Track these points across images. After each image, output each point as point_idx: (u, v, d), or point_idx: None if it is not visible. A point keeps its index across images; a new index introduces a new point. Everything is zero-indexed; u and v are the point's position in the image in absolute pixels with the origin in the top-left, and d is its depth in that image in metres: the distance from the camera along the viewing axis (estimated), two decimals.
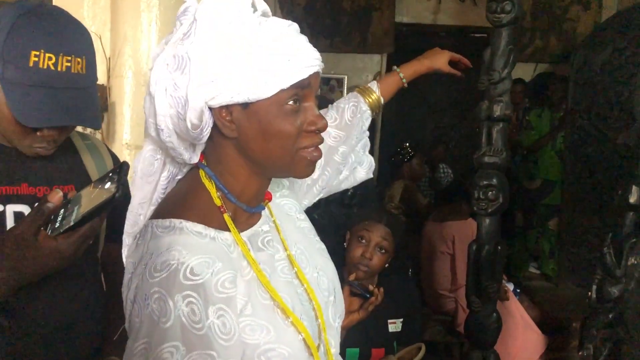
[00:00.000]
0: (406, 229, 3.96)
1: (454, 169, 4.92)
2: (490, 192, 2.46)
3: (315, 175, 1.30)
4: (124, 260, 0.97)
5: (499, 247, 2.54)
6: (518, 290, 3.72)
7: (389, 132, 5.89)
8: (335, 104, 1.42)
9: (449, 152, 4.98)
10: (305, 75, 0.88)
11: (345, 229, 2.20)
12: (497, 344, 2.68)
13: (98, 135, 2.20)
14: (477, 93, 2.61)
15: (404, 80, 1.50)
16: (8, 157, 1.19)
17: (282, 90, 0.87)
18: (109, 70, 2.18)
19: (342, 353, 2.05)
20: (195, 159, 0.96)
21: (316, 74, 0.91)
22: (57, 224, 0.95)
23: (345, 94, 5.76)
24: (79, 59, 1.11)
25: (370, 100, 1.43)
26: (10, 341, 1.17)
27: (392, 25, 5.64)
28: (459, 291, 3.34)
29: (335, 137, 1.35)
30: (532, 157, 4.91)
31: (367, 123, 1.43)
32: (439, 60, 1.56)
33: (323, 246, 1.17)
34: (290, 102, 0.89)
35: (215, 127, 0.91)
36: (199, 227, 0.90)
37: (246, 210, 0.97)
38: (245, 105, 0.87)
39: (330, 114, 1.37)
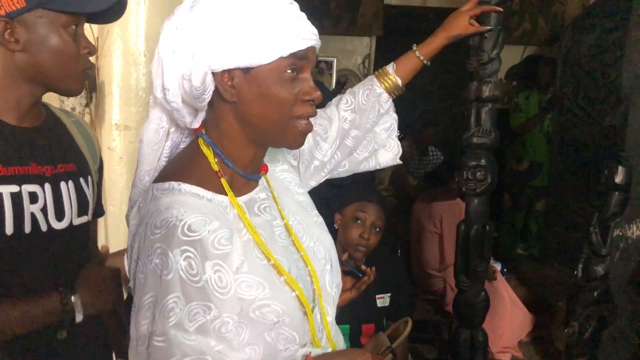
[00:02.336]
0: (396, 210, 4.00)
1: (443, 152, 4.94)
2: (478, 173, 2.47)
3: (325, 157, 1.32)
4: (129, 223, 1.02)
5: (487, 227, 2.57)
6: (505, 270, 3.76)
7: None
8: (351, 88, 1.42)
9: (439, 134, 4.98)
10: (303, 46, 0.94)
11: (335, 208, 2.21)
12: (485, 323, 2.72)
13: (87, 116, 2.19)
14: (466, 75, 2.62)
15: (422, 58, 1.48)
16: (16, 136, 1.16)
17: (282, 58, 0.93)
18: (97, 50, 2.16)
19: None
20: (196, 125, 1.02)
21: (313, 48, 0.98)
22: None
23: (334, 77, 5.76)
24: None
25: (386, 83, 1.42)
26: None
27: (381, 8, 5.62)
28: (447, 271, 3.38)
29: (349, 121, 1.36)
30: (520, 139, 4.93)
31: (386, 106, 1.44)
32: (456, 25, 1.55)
33: (321, 220, 1.21)
34: (289, 71, 0.94)
35: (216, 93, 0.96)
36: (197, 189, 0.96)
37: (242, 175, 1.02)
38: (246, 70, 0.93)
39: (346, 98, 1.39)
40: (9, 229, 1.11)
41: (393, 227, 2.19)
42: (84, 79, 1.21)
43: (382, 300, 2.17)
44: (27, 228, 1.14)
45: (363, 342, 2.08)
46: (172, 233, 0.89)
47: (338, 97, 1.39)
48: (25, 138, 1.18)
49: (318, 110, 1.22)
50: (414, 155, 4.62)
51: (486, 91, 2.44)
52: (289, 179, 1.21)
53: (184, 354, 0.88)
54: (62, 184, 1.22)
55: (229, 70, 0.94)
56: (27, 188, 1.14)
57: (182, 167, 1.01)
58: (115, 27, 2.16)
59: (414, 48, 1.50)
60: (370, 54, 5.81)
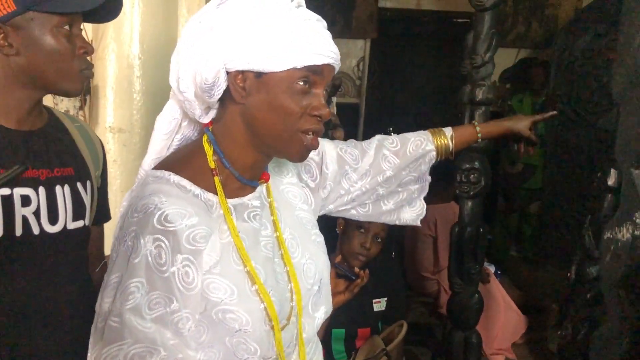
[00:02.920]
0: None
1: None
2: (472, 175, 2.49)
3: (352, 187, 1.29)
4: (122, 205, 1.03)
5: (481, 230, 2.58)
6: (499, 272, 3.78)
7: (372, 117, 5.91)
8: (403, 134, 1.41)
9: None
10: (318, 62, 0.94)
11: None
12: (479, 325, 2.73)
13: (80, 119, 2.19)
14: (460, 78, 2.63)
15: (479, 135, 1.46)
16: (10, 139, 1.16)
17: (295, 69, 0.93)
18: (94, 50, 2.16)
19: (329, 334, 2.09)
20: (206, 120, 1.03)
21: (330, 67, 0.98)
22: None
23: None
24: None
25: (439, 142, 1.40)
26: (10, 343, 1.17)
27: (376, 11, 5.63)
28: (441, 273, 3.39)
29: (389, 161, 1.34)
30: None
31: (429, 164, 1.42)
32: (520, 124, 1.50)
33: (321, 239, 1.19)
34: (301, 83, 0.95)
35: (227, 92, 0.97)
36: (186, 182, 0.97)
37: (237, 178, 1.02)
38: (258, 75, 0.94)
39: (393, 139, 1.38)
40: None
41: (388, 230, 2.19)
42: (82, 79, 1.20)
43: (379, 305, 2.18)
44: (18, 231, 1.14)
45: (358, 345, 2.09)
46: (148, 219, 0.91)
47: (384, 136, 1.39)
48: (22, 141, 1.18)
49: (354, 141, 1.29)
50: None
51: (479, 94, 2.45)
52: (295, 193, 1.19)
53: (136, 339, 0.89)
54: (58, 188, 1.21)
55: (242, 72, 0.95)
56: (20, 191, 1.14)
57: (180, 159, 1.02)
58: (109, 29, 2.16)
59: (476, 122, 1.52)
60: (365, 57, 5.81)
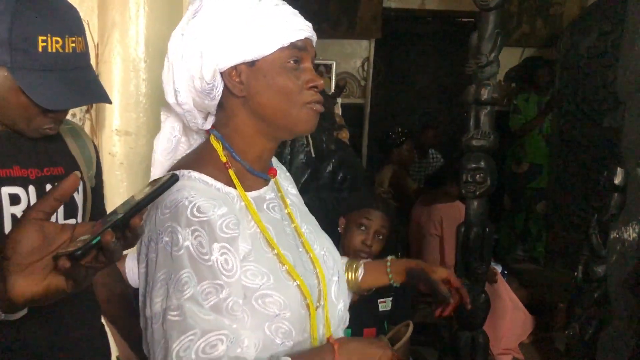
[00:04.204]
0: (396, 213, 4.00)
1: (443, 154, 4.95)
2: (478, 175, 2.49)
3: None
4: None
5: (487, 230, 2.58)
6: (506, 272, 3.77)
7: (376, 118, 5.91)
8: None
9: (439, 137, 4.98)
10: (300, 37, 1.00)
11: (335, 213, 2.22)
12: (486, 325, 2.73)
13: (87, 122, 2.20)
14: (465, 77, 2.63)
15: (390, 277, 1.38)
16: (0, 140, 1.18)
17: (282, 48, 0.99)
18: (97, 56, 2.16)
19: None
20: (208, 125, 1.07)
21: (310, 41, 1.04)
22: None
23: (333, 80, 5.77)
24: (80, 38, 1.13)
25: (350, 276, 1.35)
26: (14, 352, 1.18)
27: (380, 11, 5.62)
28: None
29: None
30: (520, 141, 4.94)
31: None
32: (437, 271, 1.38)
33: (328, 237, 1.23)
34: (291, 62, 1.00)
35: (226, 92, 1.02)
36: (206, 178, 1.00)
37: (249, 170, 1.06)
38: (251, 64, 0.99)
39: None
40: None
41: (394, 230, 2.20)
42: (43, 134, 1.20)
43: (384, 305, 2.18)
44: (8, 228, 1.15)
45: None
46: (182, 212, 0.92)
47: None
48: (10, 142, 1.19)
49: None
50: (414, 159, 4.62)
51: (485, 94, 2.46)
52: (297, 196, 1.24)
53: (203, 330, 0.89)
54: (48, 187, 1.22)
55: (235, 67, 0.99)
56: (8, 190, 1.16)
57: (193, 159, 1.05)
58: (115, 33, 2.17)
59: (388, 264, 1.40)
60: (370, 57, 5.81)
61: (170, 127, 1.11)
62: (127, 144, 2.21)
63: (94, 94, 1.16)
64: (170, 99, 1.05)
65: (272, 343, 0.97)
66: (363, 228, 2.07)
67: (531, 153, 4.90)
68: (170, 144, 1.11)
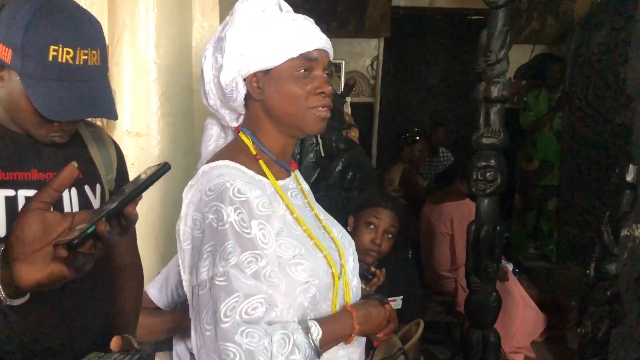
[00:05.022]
0: (406, 211, 4.00)
1: (453, 152, 4.93)
2: (488, 173, 2.48)
3: None
4: (183, 200, 1.15)
5: (498, 228, 2.57)
6: (517, 270, 3.76)
7: (386, 116, 5.90)
8: None
9: (449, 135, 4.97)
10: (310, 48, 1.14)
11: (345, 212, 2.22)
12: (497, 323, 2.72)
13: (98, 122, 2.21)
14: (475, 75, 2.62)
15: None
16: (18, 143, 1.20)
17: (292, 59, 1.14)
18: (107, 58, 2.19)
19: None
20: (235, 123, 1.25)
21: (323, 51, 1.17)
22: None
23: (342, 79, 5.77)
24: (94, 52, 1.14)
25: None
26: (24, 322, 1.20)
27: (389, 9, 5.61)
28: (458, 271, 3.38)
29: None
30: (530, 139, 4.92)
31: None
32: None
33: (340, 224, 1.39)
34: (301, 70, 1.15)
35: (248, 95, 1.18)
36: (241, 167, 1.16)
37: (276, 161, 1.22)
38: (266, 72, 1.15)
39: None
40: (1, 231, 1.15)
41: (404, 228, 2.20)
42: (52, 141, 1.22)
43: (395, 303, 2.17)
44: None
45: (375, 344, 2.09)
46: (225, 193, 1.07)
47: None
48: (30, 146, 1.21)
49: None
50: (425, 159, 4.62)
51: (494, 91, 2.45)
52: (307, 188, 1.37)
53: (245, 294, 1.03)
54: (65, 191, 1.24)
55: (255, 74, 1.15)
56: (25, 193, 1.18)
57: (228, 152, 1.20)
58: (125, 35, 2.19)
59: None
60: (379, 56, 5.80)
61: (209, 122, 1.30)
62: (137, 145, 2.23)
63: (98, 108, 1.17)
64: (203, 100, 1.24)
65: (300, 306, 1.11)
66: (372, 227, 2.07)
67: (542, 151, 4.87)
68: (208, 136, 1.30)
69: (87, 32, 1.14)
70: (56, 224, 0.76)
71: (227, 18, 1.20)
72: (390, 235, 2.09)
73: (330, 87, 1.17)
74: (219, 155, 1.20)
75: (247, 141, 1.20)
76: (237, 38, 1.15)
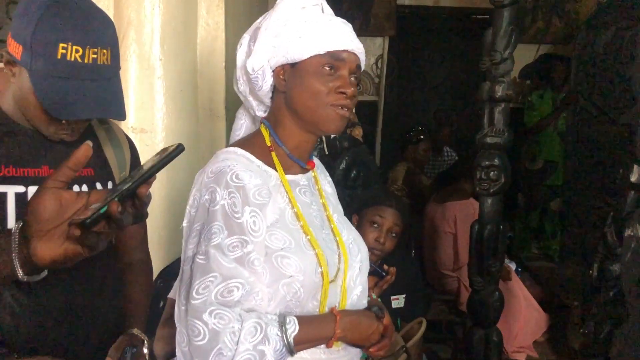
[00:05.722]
0: (409, 210, 4.00)
1: (458, 152, 4.92)
2: (492, 173, 2.48)
3: None
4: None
5: (501, 227, 2.57)
6: (520, 270, 3.75)
7: (390, 115, 5.90)
8: None
9: (454, 134, 4.95)
10: (337, 48, 1.17)
11: (348, 210, 2.22)
12: (500, 323, 2.72)
13: None
14: (480, 74, 2.62)
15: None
16: (30, 139, 1.21)
17: (318, 55, 1.16)
18: (119, 58, 2.19)
19: None
20: (260, 113, 1.30)
21: (350, 52, 1.19)
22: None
23: None
24: (104, 50, 1.14)
25: None
26: (30, 318, 1.21)
27: (394, 8, 5.61)
28: (461, 270, 3.38)
29: None
30: (534, 138, 4.91)
31: None
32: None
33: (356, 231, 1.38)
34: (327, 68, 1.17)
35: (274, 87, 1.22)
36: (250, 156, 1.19)
37: (289, 155, 1.23)
38: (293, 65, 1.18)
39: None
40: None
41: (407, 227, 2.20)
42: (61, 139, 1.24)
43: (397, 302, 2.18)
44: None
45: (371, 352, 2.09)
46: (223, 177, 1.10)
47: None
48: (42, 142, 1.22)
49: None
50: (429, 159, 4.61)
51: (499, 91, 2.45)
52: (332, 191, 1.41)
53: (223, 275, 1.05)
54: (75, 188, 1.25)
55: (282, 66, 1.19)
56: (35, 189, 1.18)
57: (245, 141, 1.26)
58: (130, 32, 2.19)
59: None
60: (383, 55, 5.80)
61: (239, 112, 1.35)
62: (142, 141, 2.23)
63: (106, 108, 1.16)
64: (234, 86, 1.28)
65: (282, 300, 1.11)
66: (376, 225, 2.08)
67: (546, 150, 4.87)
68: (237, 125, 1.35)
69: (98, 31, 1.13)
70: (71, 202, 0.78)
71: (269, 11, 1.24)
72: (394, 234, 2.09)
73: (353, 89, 1.18)
74: (235, 143, 1.25)
75: (265, 132, 1.24)
76: (271, 29, 1.18)
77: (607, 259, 2.41)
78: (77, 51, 1.09)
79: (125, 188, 0.77)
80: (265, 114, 1.29)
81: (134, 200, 0.79)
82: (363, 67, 1.26)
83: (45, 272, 0.85)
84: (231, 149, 1.20)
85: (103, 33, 1.15)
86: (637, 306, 1.69)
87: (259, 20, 1.24)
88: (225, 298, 1.04)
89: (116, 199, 0.75)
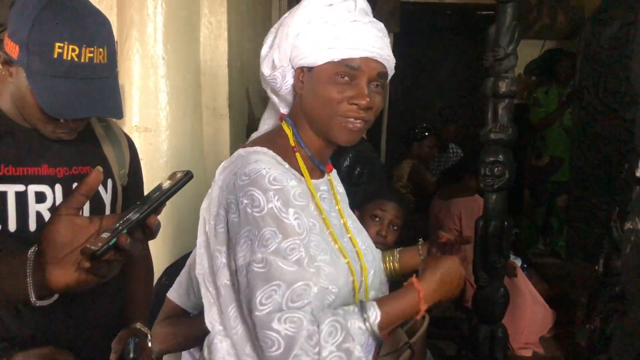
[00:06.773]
0: (414, 207, 4.00)
1: (463, 148, 4.91)
2: (496, 169, 2.47)
3: None
4: (215, 181, 1.15)
5: (506, 223, 2.56)
6: (526, 266, 3.74)
7: (395, 112, 5.89)
8: None
9: (459, 131, 4.94)
10: (352, 56, 1.10)
11: (351, 206, 2.23)
12: (506, 319, 2.71)
13: None
14: (483, 71, 2.61)
15: (420, 253, 1.51)
16: (29, 139, 1.22)
17: (333, 62, 1.11)
18: (116, 54, 2.20)
19: None
20: (283, 110, 1.25)
21: (370, 60, 1.12)
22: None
23: None
24: (100, 49, 1.14)
25: (388, 266, 1.50)
26: (33, 314, 1.22)
27: (399, 5, 5.59)
28: (466, 267, 3.37)
29: None
30: (540, 134, 4.89)
31: None
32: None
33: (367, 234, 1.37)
34: (341, 76, 1.11)
35: (293, 88, 1.19)
36: (278, 157, 1.14)
37: (310, 158, 1.20)
38: (310, 69, 1.14)
39: None
40: (12, 226, 1.17)
41: (412, 224, 2.20)
42: (59, 137, 1.24)
43: None
44: (32, 226, 1.19)
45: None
46: (261, 180, 1.05)
47: None
48: (40, 141, 1.23)
49: None
50: (434, 156, 4.60)
51: (503, 87, 2.44)
52: (342, 192, 1.37)
53: (287, 282, 1.00)
54: (75, 186, 1.26)
55: (302, 68, 1.15)
56: (35, 188, 1.20)
57: (268, 139, 1.20)
58: (133, 31, 2.20)
59: (420, 246, 1.53)
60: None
61: (272, 107, 1.29)
62: (146, 140, 2.24)
63: (103, 106, 1.17)
64: (262, 80, 1.24)
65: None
66: (377, 219, 2.09)
67: (552, 146, 4.85)
68: (271, 119, 1.30)
69: (94, 30, 1.14)
70: (85, 228, 0.78)
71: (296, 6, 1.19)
72: (395, 227, 2.10)
73: (367, 101, 1.11)
74: (258, 141, 1.19)
75: (288, 131, 1.20)
76: (294, 27, 1.14)
77: (612, 254, 2.40)
78: (73, 50, 1.10)
79: (134, 219, 0.76)
80: (287, 112, 1.25)
81: (144, 229, 0.79)
82: (392, 72, 1.21)
83: (56, 296, 0.86)
84: (259, 148, 1.14)
85: (99, 32, 1.15)
86: (637, 299, 1.68)
87: (285, 15, 1.19)
88: (295, 303, 1.00)
89: (124, 232, 0.75)
